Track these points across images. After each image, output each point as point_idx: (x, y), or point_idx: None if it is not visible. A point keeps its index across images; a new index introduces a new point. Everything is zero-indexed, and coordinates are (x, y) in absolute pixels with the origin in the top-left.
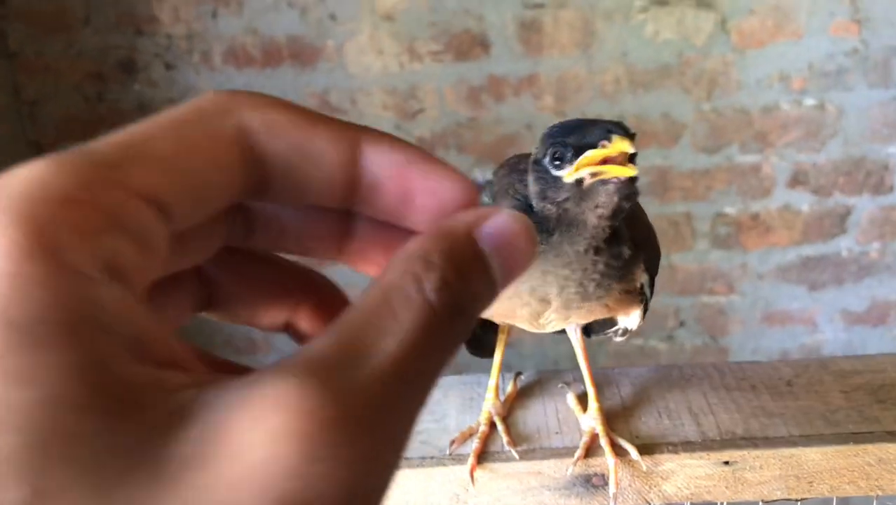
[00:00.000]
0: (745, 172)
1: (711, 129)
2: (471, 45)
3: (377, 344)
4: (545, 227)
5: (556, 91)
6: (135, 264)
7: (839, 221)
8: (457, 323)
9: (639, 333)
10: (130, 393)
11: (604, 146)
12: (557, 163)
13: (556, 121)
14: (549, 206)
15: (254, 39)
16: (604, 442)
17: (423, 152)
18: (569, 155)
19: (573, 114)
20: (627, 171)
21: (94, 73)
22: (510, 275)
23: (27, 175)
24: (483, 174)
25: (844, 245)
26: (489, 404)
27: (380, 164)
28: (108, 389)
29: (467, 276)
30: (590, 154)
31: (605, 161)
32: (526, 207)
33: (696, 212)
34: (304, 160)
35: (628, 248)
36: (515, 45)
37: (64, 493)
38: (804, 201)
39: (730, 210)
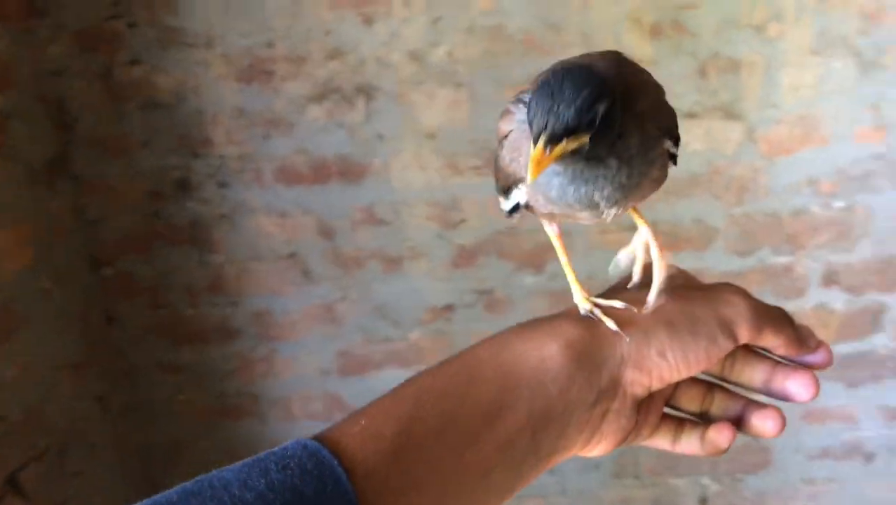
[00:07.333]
0: (777, 273)
1: (743, 232)
2: None
3: None
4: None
5: None
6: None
7: (874, 319)
8: None
9: None
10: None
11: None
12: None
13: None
14: None
15: (304, 158)
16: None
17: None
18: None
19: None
20: (531, 173)
21: (151, 192)
22: None
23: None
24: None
25: (880, 342)
26: (580, 297)
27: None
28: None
29: None
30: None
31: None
32: None
33: None
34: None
35: (637, 133)
36: None
37: None
38: (838, 300)
39: None
